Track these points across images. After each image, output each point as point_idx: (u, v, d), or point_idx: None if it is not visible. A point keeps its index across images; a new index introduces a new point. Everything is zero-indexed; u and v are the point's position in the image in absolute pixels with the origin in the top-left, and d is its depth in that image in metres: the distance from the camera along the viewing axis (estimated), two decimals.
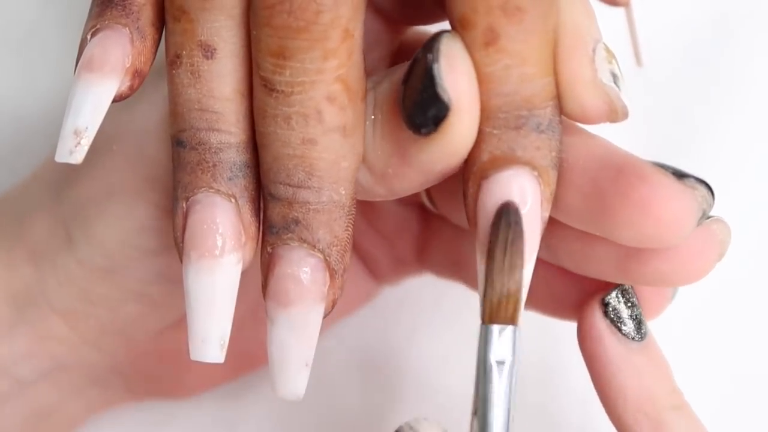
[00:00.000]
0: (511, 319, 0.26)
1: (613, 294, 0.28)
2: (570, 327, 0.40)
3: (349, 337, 0.40)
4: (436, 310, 0.40)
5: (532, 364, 0.39)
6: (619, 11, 0.35)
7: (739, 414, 0.39)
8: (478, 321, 0.29)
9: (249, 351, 0.35)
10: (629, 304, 0.28)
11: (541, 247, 0.28)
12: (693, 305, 0.40)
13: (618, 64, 0.27)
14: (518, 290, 0.26)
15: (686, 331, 0.39)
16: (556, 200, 0.27)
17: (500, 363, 0.26)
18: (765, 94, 0.41)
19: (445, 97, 0.25)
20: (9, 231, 0.33)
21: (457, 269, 0.35)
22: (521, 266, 0.26)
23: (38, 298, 0.32)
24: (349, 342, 0.40)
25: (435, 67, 0.25)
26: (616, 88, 0.27)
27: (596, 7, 0.34)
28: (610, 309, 0.28)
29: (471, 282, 0.34)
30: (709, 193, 0.26)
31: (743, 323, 0.39)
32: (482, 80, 0.26)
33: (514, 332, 0.26)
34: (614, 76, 0.27)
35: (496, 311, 0.26)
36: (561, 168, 0.27)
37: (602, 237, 0.27)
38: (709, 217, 0.27)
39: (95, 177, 0.30)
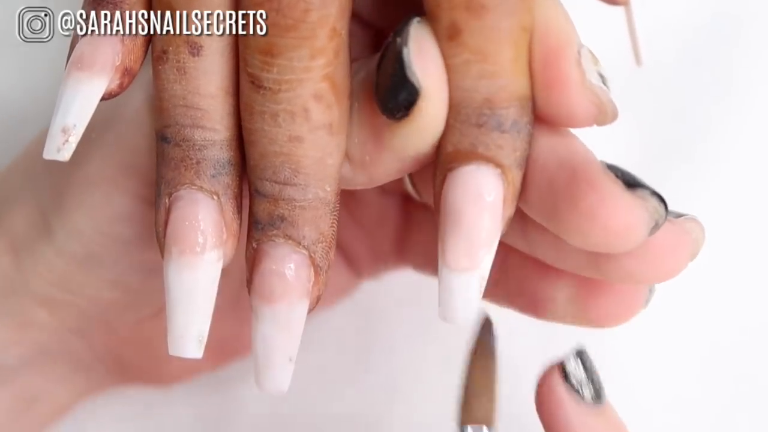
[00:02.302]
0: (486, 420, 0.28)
1: (571, 360, 0.28)
2: (570, 334, 0.40)
3: (349, 335, 0.40)
4: (437, 310, 0.40)
5: (531, 368, 0.39)
6: (618, 10, 0.35)
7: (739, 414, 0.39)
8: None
9: (229, 341, 0.35)
10: (587, 369, 0.28)
11: (518, 237, 0.29)
12: (694, 311, 0.40)
13: (603, 67, 0.27)
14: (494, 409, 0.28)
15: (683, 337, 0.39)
16: (520, 194, 0.27)
17: None
18: (765, 93, 0.41)
19: (414, 80, 0.25)
20: None
21: (435, 265, 0.35)
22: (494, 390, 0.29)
23: (19, 288, 0.32)
24: (348, 341, 0.40)
25: (404, 50, 0.25)
26: (606, 89, 0.26)
27: (595, 6, 0.34)
28: (570, 375, 0.28)
29: None
30: (661, 204, 0.26)
31: (744, 323, 0.39)
32: (447, 70, 0.26)
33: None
34: (602, 77, 0.27)
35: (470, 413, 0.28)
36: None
37: None
38: (681, 216, 0.27)
39: (73, 166, 0.30)
